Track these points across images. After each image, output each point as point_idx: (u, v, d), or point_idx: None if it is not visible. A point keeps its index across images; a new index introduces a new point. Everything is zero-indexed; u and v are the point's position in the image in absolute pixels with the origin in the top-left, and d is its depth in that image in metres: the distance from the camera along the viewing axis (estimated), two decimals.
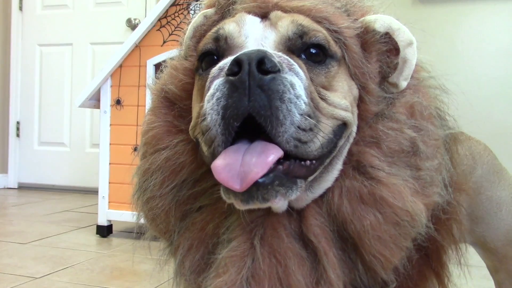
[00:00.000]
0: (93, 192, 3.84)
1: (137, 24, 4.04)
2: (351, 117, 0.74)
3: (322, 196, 0.75)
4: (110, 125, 2.65)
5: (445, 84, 0.86)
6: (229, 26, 0.76)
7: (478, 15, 3.25)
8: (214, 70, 0.72)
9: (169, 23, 2.58)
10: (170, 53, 2.58)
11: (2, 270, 2.01)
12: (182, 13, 2.57)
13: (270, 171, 0.65)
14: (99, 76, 2.64)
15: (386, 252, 0.71)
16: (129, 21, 4.09)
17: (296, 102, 0.65)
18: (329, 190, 0.75)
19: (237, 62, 0.66)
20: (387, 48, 0.78)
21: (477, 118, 3.05)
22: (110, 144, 2.65)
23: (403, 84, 0.78)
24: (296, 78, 0.67)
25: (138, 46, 2.61)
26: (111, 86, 2.66)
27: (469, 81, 3.20)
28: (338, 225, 0.73)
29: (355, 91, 0.77)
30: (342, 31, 0.75)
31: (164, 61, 0.91)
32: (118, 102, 2.64)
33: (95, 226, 2.72)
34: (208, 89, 0.70)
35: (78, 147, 4.38)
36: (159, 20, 2.57)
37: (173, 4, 2.56)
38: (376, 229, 0.70)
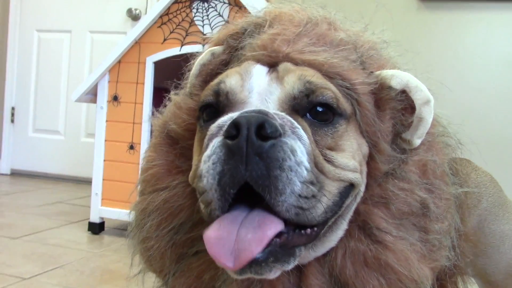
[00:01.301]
0: (86, 182, 3.81)
1: (138, 14, 3.99)
2: (359, 177, 0.71)
3: (325, 255, 0.72)
4: (106, 121, 2.62)
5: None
6: (231, 80, 0.72)
7: (483, 23, 3.21)
8: (213, 127, 0.69)
9: (170, 21, 2.53)
10: (170, 51, 2.55)
11: None
12: (184, 11, 2.52)
13: (266, 245, 0.61)
14: (97, 71, 2.59)
15: None
16: (129, 11, 4.02)
17: (297, 169, 0.62)
18: (332, 249, 0.72)
19: (235, 125, 0.62)
20: (402, 106, 0.74)
21: (476, 126, 3.04)
22: (105, 140, 2.62)
23: (417, 142, 0.74)
24: (298, 143, 0.64)
25: (138, 43, 2.56)
26: (109, 81, 2.61)
27: (471, 89, 3.18)
28: (340, 286, 0.70)
29: (365, 149, 0.73)
30: (355, 87, 0.72)
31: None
32: (115, 98, 2.60)
33: (87, 222, 2.69)
34: (206, 147, 0.66)
35: (73, 136, 4.33)
36: (161, 17, 2.53)
37: (175, 2, 2.51)
38: None
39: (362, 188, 0.73)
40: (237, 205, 0.64)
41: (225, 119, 0.68)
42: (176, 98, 0.83)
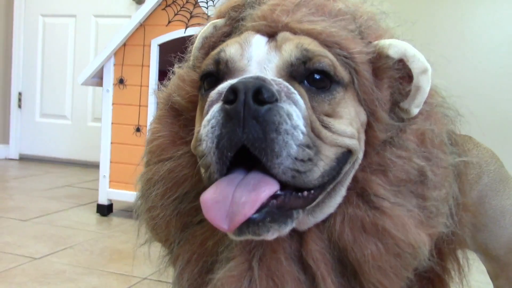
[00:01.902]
0: (94, 166, 3.84)
1: None
2: (356, 144, 0.72)
3: (324, 221, 0.74)
4: (113, 104, 2.64)
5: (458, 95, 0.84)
6: (230, 49, 0.74)
7: (488, 3, 3.19)
8: (213, 93, 0.71)
9: (174, 3, 2.53)
10: (175, 34, 2.54)
11: (2, 249, 2.03)
12: None
13: (263, 206, 0.63)
14: (103, 54, 2.61)
15: (385, 282, 0.71)
16: None
17: (293, 133, 0.63)
18: (331, 216, 0.74)
19: (233, 90, 0.63)
20: (400, 75, 0.75)
21: (483, 108, 3.03)
22: (112, 123, 2.64)
23: (415, 111, 0.75)
24: (294, 107, 0.65)
25: (142, 25, 2.57)
26: (114, 64, 2.63)
27: (477, 71, 3.16)
28: (338, 251, 0.72)
29: (363, 117, 0.74)
30: (353, 56, 0.73)
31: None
32: (121, 81, 2.62)
33: (95, 204, 2.73)
34: (207, 113, 0.68)
35: (79, 121, 4.36)
36: None
37: None
38: (377, 259, 0.70)
39: (360, 155, 0.75)
40: (236, 169, 0.66)
41: (224, 86, 0.69)
42: (180, 71, 0.85)
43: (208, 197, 0.64)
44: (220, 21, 0.83)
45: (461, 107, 0.85)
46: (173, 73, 0.87)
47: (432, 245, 0.75)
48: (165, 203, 0.80)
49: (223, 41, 0.80)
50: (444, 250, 0.80)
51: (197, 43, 0.83)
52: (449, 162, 0.77)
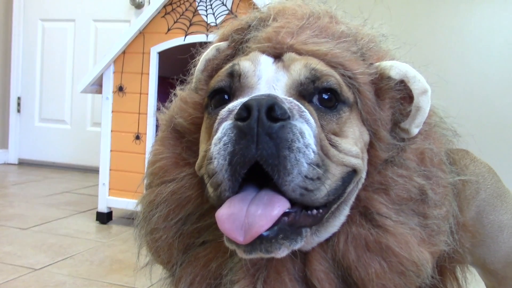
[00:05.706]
0: (93, 171, 3.84)
1: (141, 2, 3.99)
2: (361, 163, 0.73)
3: (328, 240, 0.75)
4: (112, 111, 2.63)
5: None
6: (244, 63, 0.75)
7: (488, 6, 3.19)
8: (223, 111, 0.71)
9: (174, 10, 2.53)
10: (174, 41, 2.54)
11: (2, 259, 2.02)
12: (187, 1, 2.52)
13: (275, 223, 0.64)
14: (102, 61, 2.60)
15: None
16: None
17: (304, 151, 0.64)
18: (335, 235, 0.74)
19: (246, 107, 0.64)
20: (401, 96, 0.77)
21: (482, 113, 3.03)
22: (111, 131, 2.63)
23: (415, 131, 0.77)
24: (306, 126, 0.66)
25: (142, 33, 2.57)
26: (114, 72, 2.62)
27: (476, 74, 3.17)
28: (342, 270, 0.73)
29: (366, 137, 0.76)
30: (356, 77, 0.74)
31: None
32: (120, 88, 2.62)
33: (95, 211, 2.73)
34: (216, 131, 0.68)
35: (79, 125, 4.36)
36: (164, 6, 2.52)
37: None
38: (381, 277, 0.70)
39: (363, 175, 0.76)
40: (246, 187, 0.66)
41: (235, 104, 0.70)
42: (182, 93, 0.86)
43: (223, 211, 0.65)
44: (223, 44, 0.84)
45: (461, 124, 0.86)
46: (175, 95, 0.87)
47: (434, 263, 0.76)
48: (168, 225, 0.80)
49: (226, 63, 0.81)
50: (445, 268, 0.81)
51: (200, 65, 0.84)
52: (448, 181, 0.78)
